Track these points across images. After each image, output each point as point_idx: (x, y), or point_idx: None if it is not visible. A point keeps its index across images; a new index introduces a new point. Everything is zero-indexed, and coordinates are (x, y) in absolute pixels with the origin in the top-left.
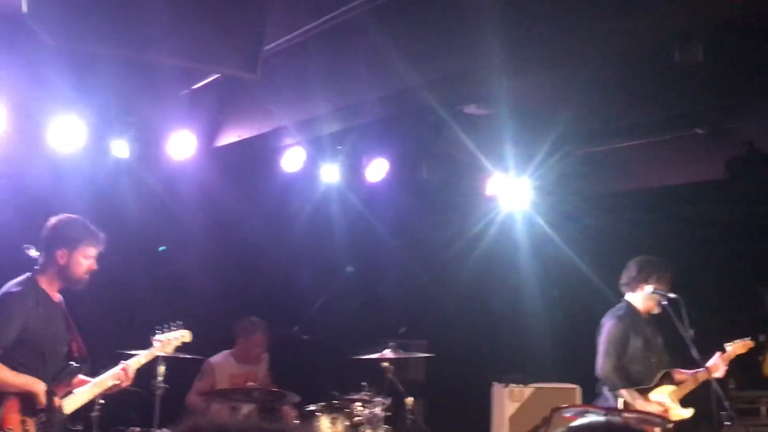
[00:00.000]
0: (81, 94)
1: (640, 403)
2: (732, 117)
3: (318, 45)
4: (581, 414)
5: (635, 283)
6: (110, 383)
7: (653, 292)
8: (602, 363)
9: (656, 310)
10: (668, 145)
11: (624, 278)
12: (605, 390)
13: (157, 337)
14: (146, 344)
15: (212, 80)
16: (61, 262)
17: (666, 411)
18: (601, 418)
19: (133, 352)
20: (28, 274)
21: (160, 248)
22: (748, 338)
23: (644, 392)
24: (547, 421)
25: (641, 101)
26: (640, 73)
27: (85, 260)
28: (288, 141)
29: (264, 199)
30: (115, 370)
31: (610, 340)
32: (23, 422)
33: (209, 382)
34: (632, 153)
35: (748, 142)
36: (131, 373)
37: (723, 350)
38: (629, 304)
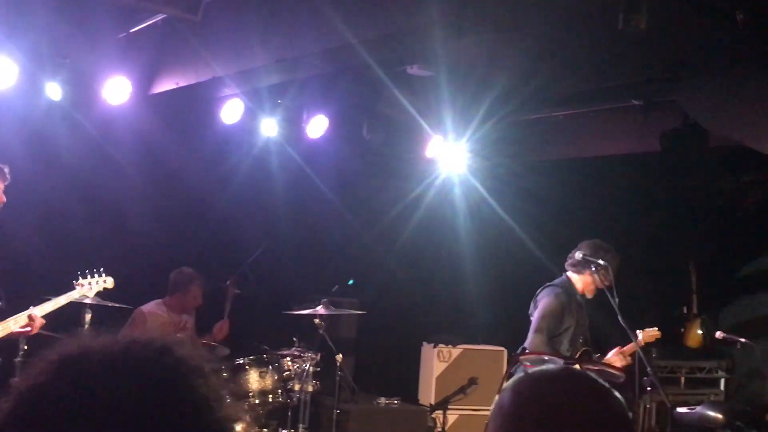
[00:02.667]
0: (12, 33)
1: None
2: (669, 90)
3: None
4: (540, 362)
5: (582, 266)
6: (14, 328)
7: (595, 273)
8: (533, 337)
9: (590, 296)
10: (604, 116)
11: (572, 257)
12: (527, 361)
13: (79, 281)
14: (71, 289)
15: (149, 25)
16: None
17: None
18: (561, 367)
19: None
20: None
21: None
22: (655, 328)
23: None
24: (473, 382)
25: (579, 70)
26: (578, 41)
27: None
28: (226, 92)
29: (203, 149)
30: (21, 316)
31: (544, 315)
32: None
33: (139, 330)
34: (568, 122)
35: (683, 116)
36: (38, 322)
37: (636, 336)
38: (570, 282)
